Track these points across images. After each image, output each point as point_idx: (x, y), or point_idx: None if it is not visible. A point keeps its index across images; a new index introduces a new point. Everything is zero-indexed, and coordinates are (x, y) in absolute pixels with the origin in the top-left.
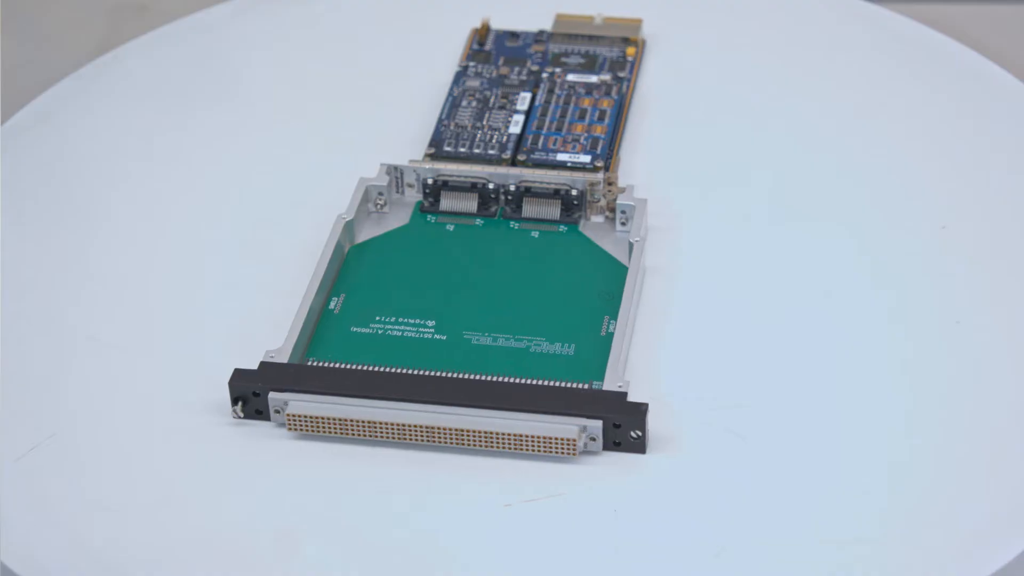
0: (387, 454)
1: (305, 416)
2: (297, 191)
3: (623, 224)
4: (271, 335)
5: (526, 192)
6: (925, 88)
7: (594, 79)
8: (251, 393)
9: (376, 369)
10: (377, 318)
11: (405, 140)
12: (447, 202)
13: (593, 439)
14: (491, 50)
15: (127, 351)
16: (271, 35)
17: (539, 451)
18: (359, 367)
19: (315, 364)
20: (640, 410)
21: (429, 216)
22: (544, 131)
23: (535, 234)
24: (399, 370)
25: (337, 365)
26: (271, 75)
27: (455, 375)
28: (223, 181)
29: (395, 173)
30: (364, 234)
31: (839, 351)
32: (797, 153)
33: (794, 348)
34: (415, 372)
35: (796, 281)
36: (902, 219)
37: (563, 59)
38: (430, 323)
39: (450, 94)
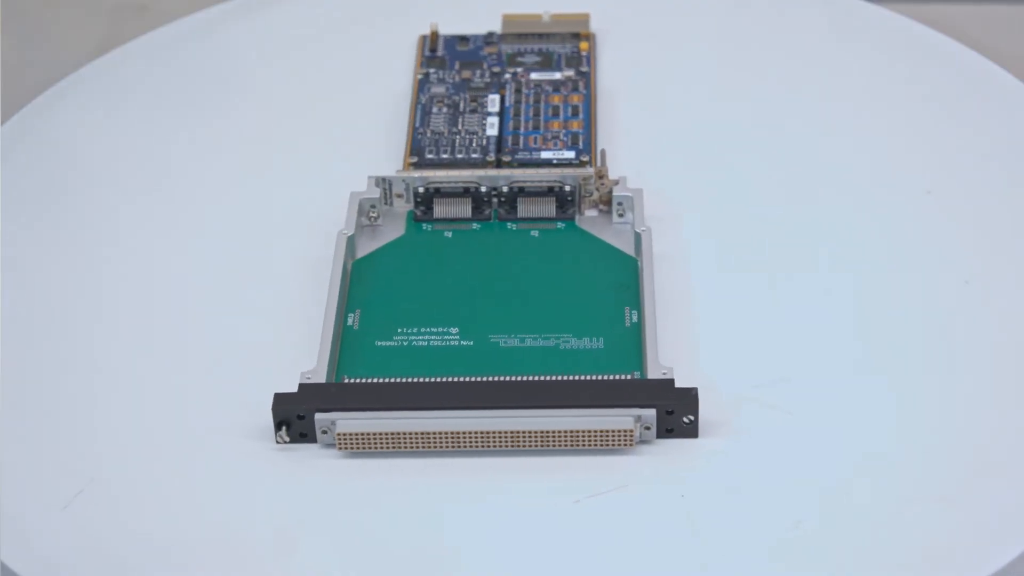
0: (441, 464)
1: (356, 434)
2: (281, 208)
3: (620, 216)
4: (293, 357)
5: (520, 192)
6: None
7: (558, 76)
8: (296, 416)
9: (420, 380)
10: (399, 330)
11: (375, 151)
12: (441, 209)
13: (648, 428)
14: (444, 55)
15: (149, 387)
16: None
17: (596, 445)
18: (401, 380)
19: (354, 381)
20: (691, 395)
21: (424, 225)
22: (522, 131)
23: (535, 233)
24: (442, 379)
25: (375, 380)
26: (256, 80)
27: (503, 379)
28: (214, 190)
29: (384, 184)
30: (361, 248)
31: (858, 317)
32: (788, 151)
33: (815, 317)
34: (461, 379)
35: (800, 254)
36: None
37: (519, 59)
38: (453, 330)
39: (418, 102)
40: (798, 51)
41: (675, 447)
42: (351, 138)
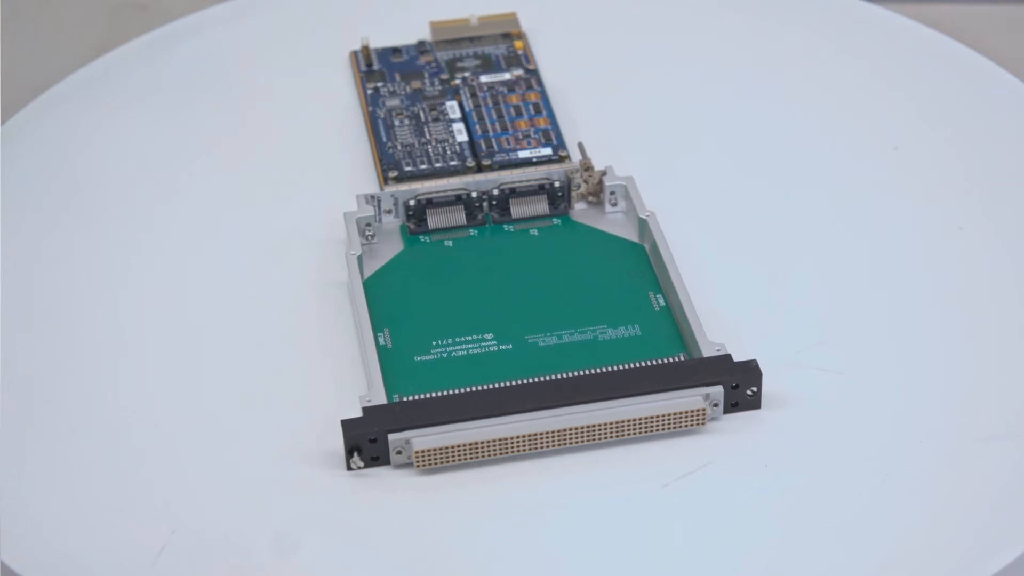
0: (516, 469)
1: (434, 449)
2: (264, 235)
3: (613, 205)
4: (330, 382)
5: (511, 194)
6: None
7: (507, 76)
8: (367, 440)
9: (481, 388)
10: (434, 343)
11: (337, 169)
12: (435, 219)
13: (715, 405)
14: (381, 68)
15: (199, 432)
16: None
17: (671, 428)
18: (461, 390)
19: (412, 399)
20: (753, 367)
21: (421, 237)
22: (492, 133)
23: (534, 232)
24: (503, 384)
25: (434, 395)
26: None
27: (567, 375)
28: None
29: (373, 202)
30: (365, 268)
31: (872, 273)
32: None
33: (829, 281)
34: (524, 382)
35: (794, 227)
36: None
37: (459, 64)
38: (488, 336)
39: (374, 117)
40: (772, 42)
41: (743, 420)
42: (309, 159)
